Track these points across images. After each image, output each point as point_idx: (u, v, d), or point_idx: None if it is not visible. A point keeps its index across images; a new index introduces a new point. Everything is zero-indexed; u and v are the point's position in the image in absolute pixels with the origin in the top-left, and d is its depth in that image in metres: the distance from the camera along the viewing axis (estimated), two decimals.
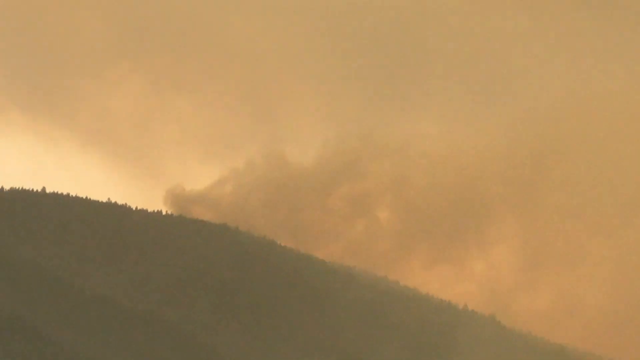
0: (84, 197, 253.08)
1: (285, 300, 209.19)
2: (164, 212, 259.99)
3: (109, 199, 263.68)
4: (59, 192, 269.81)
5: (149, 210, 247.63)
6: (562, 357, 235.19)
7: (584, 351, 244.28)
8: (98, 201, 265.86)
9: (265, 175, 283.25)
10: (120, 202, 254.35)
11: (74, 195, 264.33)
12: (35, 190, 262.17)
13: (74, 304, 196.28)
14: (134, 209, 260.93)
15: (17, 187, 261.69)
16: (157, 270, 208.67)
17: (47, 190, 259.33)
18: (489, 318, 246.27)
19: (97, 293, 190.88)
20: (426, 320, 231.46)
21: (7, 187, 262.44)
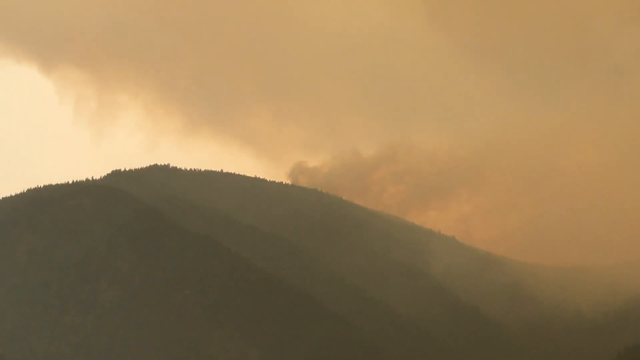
0: None
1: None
2: None
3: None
4: None
5: None
6: (495, 262, 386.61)
7: (511, 258, 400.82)
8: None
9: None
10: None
11: None
12: None
13: None
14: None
15: None
16: None
17: None
18: (451, 238, 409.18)
19: None
20: (406, 239, 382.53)
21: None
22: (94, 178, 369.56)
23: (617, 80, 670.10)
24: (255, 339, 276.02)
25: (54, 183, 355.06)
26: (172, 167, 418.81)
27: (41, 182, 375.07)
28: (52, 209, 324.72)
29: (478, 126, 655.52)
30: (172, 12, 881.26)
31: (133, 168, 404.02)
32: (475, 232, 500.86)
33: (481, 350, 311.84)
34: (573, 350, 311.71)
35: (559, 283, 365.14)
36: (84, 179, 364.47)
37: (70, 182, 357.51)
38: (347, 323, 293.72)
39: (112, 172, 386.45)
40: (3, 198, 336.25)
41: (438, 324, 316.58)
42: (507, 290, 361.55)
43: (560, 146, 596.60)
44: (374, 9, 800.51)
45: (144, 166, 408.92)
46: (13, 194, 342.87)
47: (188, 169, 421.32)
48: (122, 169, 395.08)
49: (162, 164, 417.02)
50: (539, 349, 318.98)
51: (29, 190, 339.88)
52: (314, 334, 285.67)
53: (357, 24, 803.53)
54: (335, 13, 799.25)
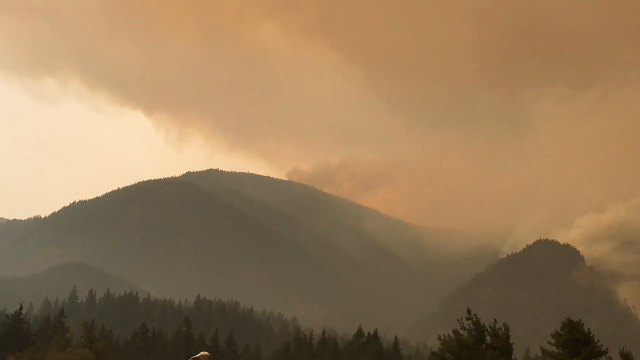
0: None
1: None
2: None
3: None
4: None
5: None
6: (404, 225, 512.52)
7: (414, 223, 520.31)
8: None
9: None
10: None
11: None
12: None
13: None
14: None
15: None
16: None
17: None
18: (377, 211, 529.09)
19: None
20: (353, 211, 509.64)
21: None
22: (176, 176, 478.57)
23: (476, 123, 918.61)
24: (266, 268, 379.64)
25: (153, 178, 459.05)
26: (221, 170, 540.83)
27: (145, 177, 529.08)
28: (151, 193, 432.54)
29: (395, 147, 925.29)
30: (223, 78, 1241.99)
31: (198, 170, 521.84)
32: (394, 208, 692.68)
33: (395, 276, 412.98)
34: (446, 275, 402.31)
35: (440, 237, 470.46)
36: (170, 176, 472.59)
37: (162, 178, 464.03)
38: (319, 260, 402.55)
39: (186, 172, 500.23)
40: (124, 187, 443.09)
41: (369, 260, 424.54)
42: (411, 241, 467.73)
43: (439, 159, 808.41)
44: (334, 77, 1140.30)
45: (204, 169, 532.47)
46: (129, 184, 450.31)
47: (230, 171, 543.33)
48: (192, 171, 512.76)
49: (215, 168, 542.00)
50: (428, 274, 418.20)
51: (139, 182, 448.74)
52: (301, 265, 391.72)
53: (325, 88, 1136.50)
54: (312, 82, 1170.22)
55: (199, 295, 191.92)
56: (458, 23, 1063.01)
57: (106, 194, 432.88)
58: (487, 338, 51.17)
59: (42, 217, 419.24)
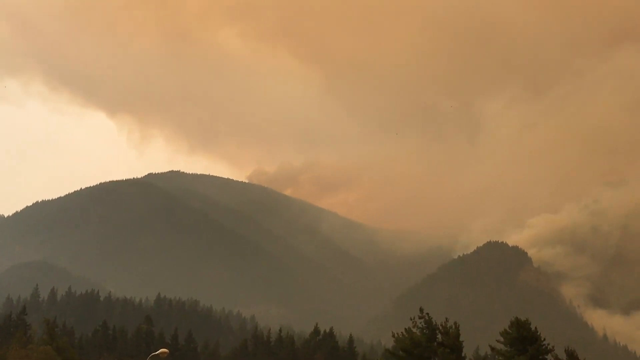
0: None
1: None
2: None
3: None
4: None
5: None
6: (359, 225, 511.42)
7: (368, 224, 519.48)
8: None
9: None
10: None
11: None
12: None
13: None
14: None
15: None
16: None
17: None
18: (334, 213, 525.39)
19: None
20: (310, 213, 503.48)
21: None
22: (137, 177, 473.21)
23: (434, 128, 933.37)
24: (226, 267, 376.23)
25: (115, 179, 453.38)
26: (182, 172, 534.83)
27: (108, 178, 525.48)
28: (113, 194, 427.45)
29: (355, 151, 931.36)
30: (184, 81, 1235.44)
31: (160, 172, 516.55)
32: (351, 209, 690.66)
33: (350, 275, 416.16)
34: (400, 275, 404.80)
35: (395, 238, 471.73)
36: (132, 177, 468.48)
37: (124, 179, 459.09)
38: (277, 259, 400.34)
39: (148, 174, 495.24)
40: (86, 187, 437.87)
41: (326, 260, 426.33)
42: (366, 242, 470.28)
43: (397, 162, 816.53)
44: (294, 81, 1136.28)
45: (166, 171, 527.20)
46: (92, 185, 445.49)
47: (191, 172, 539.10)
48: (154, 172, 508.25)
49: (176, 170, 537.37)
50: (382, 274, 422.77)
51: (101, 183, 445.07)
52: (260, 264, 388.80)
53: (285, 91, 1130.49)
54: (272, 85, 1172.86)
55: (159, 293, 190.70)
56: (415, 30, 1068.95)
57: (69, 194, 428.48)
58: (439, 336, 52.34)
59: (5, 216, 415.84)
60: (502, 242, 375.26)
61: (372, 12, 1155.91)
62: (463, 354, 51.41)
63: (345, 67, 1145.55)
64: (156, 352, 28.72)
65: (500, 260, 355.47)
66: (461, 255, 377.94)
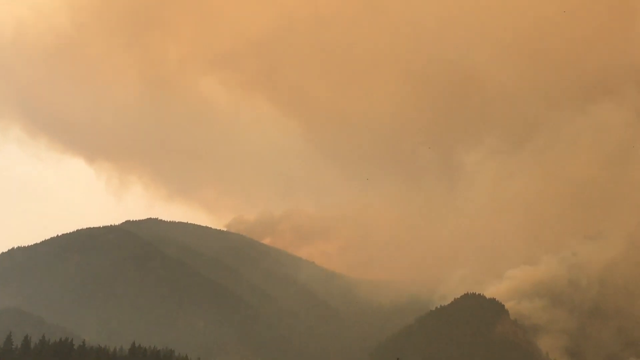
0: None
1: None
2: None
3: None
4: None
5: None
6: (338, 275, 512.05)
7: (347, 275, 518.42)
8: None
9: None
10: None
11: None
12: None
13: None
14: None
15: None
16: None
17: None
18: (312, 262, 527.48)
19: None
20: (289, 262, 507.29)
21: None
22: (115, 224, 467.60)
23: (413, 177, 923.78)
24: (202, 316, 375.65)
25: (92, 226, 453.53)
26: (160, 219, 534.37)
27: (85, 225, 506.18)
28: (90, 241, 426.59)
29: (334, 200, 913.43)
30: (164, 128, 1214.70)
31: (137, 219, 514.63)
32: (330, 259, 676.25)
33: (327, 325, 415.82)
34: (377, 326, 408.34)
35: (373, 288, 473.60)
36: (110, 224, 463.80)
37: (102, 226, 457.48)
38: (254, 309, 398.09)
39: (126, 221, 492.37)
40: (63, 234, 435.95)
41: (302, 310, 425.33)
42: (344, 292, 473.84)
43: (376, 212, 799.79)
44: (273, 130, 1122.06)
45: (144, 218, 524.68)
46: (69, 232, 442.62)
47: (169, 220, 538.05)
48: (132, 219, 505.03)
49: (154, 217, 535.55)
50: (359, 325, 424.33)
51: (78, 230, 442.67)
52: (237, 313, 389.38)
53: (265, 140, 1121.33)
54: (252, 134, 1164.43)
55: (134, 342, 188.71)
56: (395, 80, 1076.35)
57: (45, 240, 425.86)
58: None
59: None
60: (480, 294, 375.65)
61: (352, 62, 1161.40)
62: None
63: (325, 117, 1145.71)
64: None
65: (477, 313, 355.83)
66: (438, 306, 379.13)
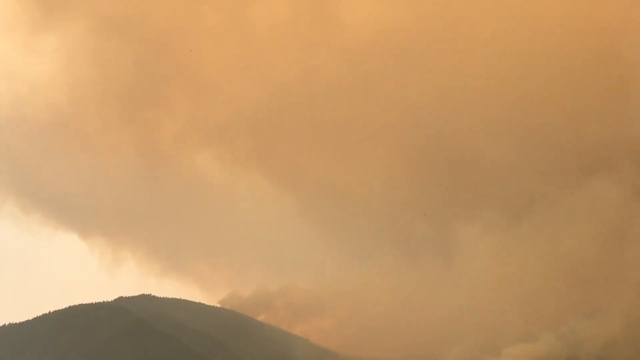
0: None
1: None
2: None
3: None
4: None
5: None
6: (332, 354, 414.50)
7: (343, 353, 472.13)
8: None
9: None
10: None
11: None
12: None
13: None
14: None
15: None
16: None
17: None
18: (305, 340, 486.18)
19: None
20: (282, 340, 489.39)
21: None
22: (108, 300, 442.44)
23: (410, 253, 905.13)
24: None
25: (85, 302, 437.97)
26: (154, 296, 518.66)
27: (77, 301, 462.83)
28: (82, 317, 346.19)
29: (329, 275, 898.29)
30: (159, 203, 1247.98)
31: (131, 295, 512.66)
32: (325, 336, 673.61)
33: None
34: None
35: None
36: (102, 300, 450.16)
37: (94, 302, 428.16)
38: None
39: (119, 297, 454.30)
40: (55, 310, 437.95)
41: None
42: None
43: (372, 288, 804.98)
44: (268, 206, 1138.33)
45: (137, 294, 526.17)
46: (60, 308, 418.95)
47: (162, 296, 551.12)
48: (125, 295, 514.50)
49: (147, 293, 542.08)
50: None
51: (70, 306, 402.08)
52: None
53: (259, 215, 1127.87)
54: (246, 209, 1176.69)
55: None
56: (390, 156, 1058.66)
57: (37, 317, 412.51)
58: None
59: None
60: None
61: (346, 137, 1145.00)
62: None
63: (320, 192, 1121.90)
64: None
65: None
66: None
